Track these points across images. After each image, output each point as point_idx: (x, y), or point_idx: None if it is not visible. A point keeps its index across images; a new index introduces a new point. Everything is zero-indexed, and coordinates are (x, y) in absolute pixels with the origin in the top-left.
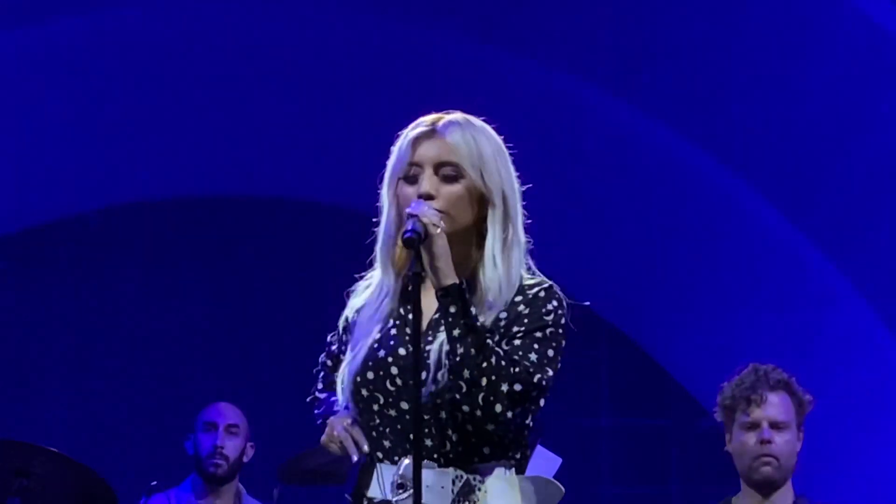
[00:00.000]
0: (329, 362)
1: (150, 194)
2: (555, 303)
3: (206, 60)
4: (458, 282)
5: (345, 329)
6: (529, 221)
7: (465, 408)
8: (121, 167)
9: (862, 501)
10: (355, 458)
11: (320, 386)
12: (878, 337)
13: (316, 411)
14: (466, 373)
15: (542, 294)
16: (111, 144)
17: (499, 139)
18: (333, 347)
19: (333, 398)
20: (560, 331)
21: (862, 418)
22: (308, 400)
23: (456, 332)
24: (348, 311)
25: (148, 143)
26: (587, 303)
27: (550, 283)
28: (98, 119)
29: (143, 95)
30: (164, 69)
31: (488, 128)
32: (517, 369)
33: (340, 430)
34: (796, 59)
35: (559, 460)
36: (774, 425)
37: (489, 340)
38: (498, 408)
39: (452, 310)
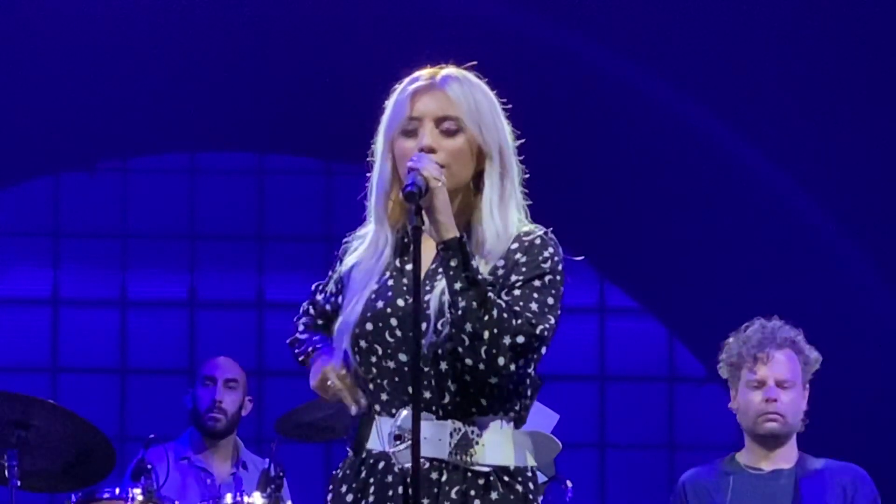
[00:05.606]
0: (311, 309)
1: None
2: (551, 250)
3: None
4: (458, 235)
5: (338, 285)
6: (527, 176)
7: (468, 361)
8: None
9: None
10: (354, 412)
11: (301, 328)
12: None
13: (296, 350)
14: (468, 326)
15: (538, 241)
16: None
17: (492, 94)
18: (319, 297)
19: (315, 337)
20: (558, 278)
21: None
22: (288, 342)
23: (457, 286)
24: (343, 267)
25: None
26: (581, 257)
27: (545, 230)
28: None
29: None
30: None
31: (482, 82)
32: (519, 321)
33: (335, 382)
34: None
35: (557, 416)
36: (780, 384)
37: (490, 293)
38: (501, 360)
39: (453, 263)
